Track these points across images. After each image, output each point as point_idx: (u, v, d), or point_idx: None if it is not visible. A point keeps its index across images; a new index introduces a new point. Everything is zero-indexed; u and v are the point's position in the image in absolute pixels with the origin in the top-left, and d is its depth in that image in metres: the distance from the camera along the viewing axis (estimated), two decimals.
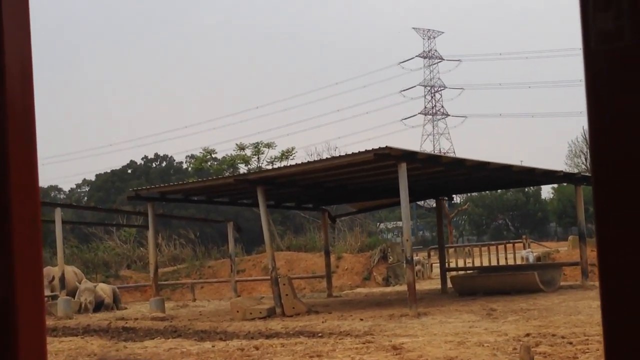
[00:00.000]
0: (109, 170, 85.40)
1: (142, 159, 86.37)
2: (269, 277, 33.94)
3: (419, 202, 51.89)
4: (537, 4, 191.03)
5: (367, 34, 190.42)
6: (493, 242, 36.44)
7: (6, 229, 1.42)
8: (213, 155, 51.21)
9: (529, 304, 20.66)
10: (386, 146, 19.41)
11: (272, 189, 23.82)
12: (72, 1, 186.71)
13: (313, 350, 15.61)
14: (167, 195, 25.99)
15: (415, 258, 35.63)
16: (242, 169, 49.31)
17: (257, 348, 16.51)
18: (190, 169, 61.07)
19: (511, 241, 35.15)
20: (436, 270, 36.81)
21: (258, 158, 50.44)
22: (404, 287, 30.98)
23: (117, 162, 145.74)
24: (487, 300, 22.12)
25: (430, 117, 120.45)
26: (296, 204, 29.48)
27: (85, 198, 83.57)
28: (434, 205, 75.29)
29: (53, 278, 29.76)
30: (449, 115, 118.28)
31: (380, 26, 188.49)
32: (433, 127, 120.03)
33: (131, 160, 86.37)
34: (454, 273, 27.75)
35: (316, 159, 48.63)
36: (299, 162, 27.10)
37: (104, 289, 29.65)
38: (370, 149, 19.80)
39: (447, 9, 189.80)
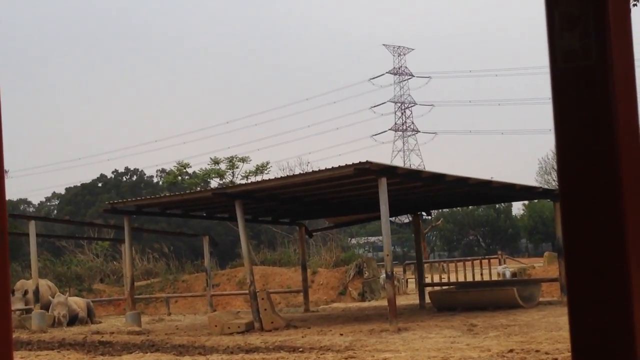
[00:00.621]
0: (79, 184, 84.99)
1: (113, 172, 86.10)
2: (244, 292, 33.91)
3: (390, 218, 51.92)
4: (506, 23, 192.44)
5: (337, 49, 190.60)
6: (469, 258, 36.51)
7: None
8: (187, 170, 50.85)
9: (509, 320, 20.63)
10: (366, 161, 19.40)
11: (250, 203, 23.70)
12: (41, 10, 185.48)
13: None
14: (144, 208, 25.77)
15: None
16: (216, 183, 49.07)
17: None
18: (162, 183, 60.68)
19: (487, 257, 35.21)
20: (411, 285, 36.79)
21: (233, 172, 50.28)
22: (380, 302, 31.00)
23: (87, 175, 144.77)
24: (467, 315, 22.09)
25: (401, 133, 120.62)
26: (273, 218, 29.34)
27: (55, 211, 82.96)
28: (405, 221, 75.49)
29: (26, 292, 29.44)
30: (419, 131, 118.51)
31: (351, 42, 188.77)
32: (403, 143, 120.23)
33: (101, 174, 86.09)
34: (432, 288, 27.72)
35: (289, 173, 48.86)
36: (274, 177, 27.01)
37: (78, 303, 29.34)
38: (351, 163, 19.76)
39: (418, 26, 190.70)
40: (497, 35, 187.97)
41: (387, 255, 20.23)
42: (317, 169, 20.59)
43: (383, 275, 34.49)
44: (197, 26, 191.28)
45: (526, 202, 73.64)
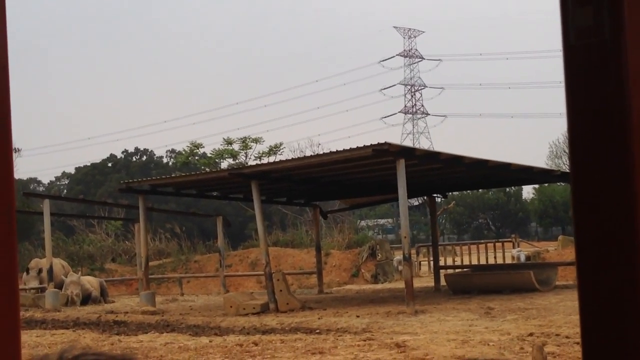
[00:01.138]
0: (88, 164, 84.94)
1: (123, 152, 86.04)
2: (257, 273, 33.92)
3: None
4: (518, 5, 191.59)
5: (348, 32, 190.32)
6: (482, 241, 36.33)
7: None
8: (200, 150, 50.67)
9: (526, 303, 20.52)
10: (385, 142, 19.27)
11: (265, 184, 23.56)
12: None
13: (314, 346, 15.41)
14: (158, 188, 25.67)
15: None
16: (229, 163, 48.87)
17: (256, 344, 16.29)
18: (174, 163, 60.56)
19: (500, 240, 35.03)
20: (424, 268, 36.71)
21: (246, 153, 50.09)
22: (394, 285, 30.91)
23: (95, 155, 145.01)
24: (483, 299, 21.97)
25: (410, 115, 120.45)
26: (288, 199, 29.23)
27: (65, 191, 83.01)
28: (415, 203, 75.32)
29: (40, 270, 29.47)
30: (429, 114, 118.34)
31: (361, 24, 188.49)
32: (413, 125, 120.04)
33: (111, 154, 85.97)
34: (447, 271, 27.60)
35: (301, 155, 48.71)
36: (289, 157, 26.86)
37: (91, 282, 29.33)
38: (369, 144, 19.65)
39: (428, 8, 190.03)
40: (508, 19, 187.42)
41: (405, 237, 20.13)
42: (333, 150, 20.41)
43: (397, 258, 34.42)
44: (207, 6, 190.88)
45: (536, 185, 73.33)
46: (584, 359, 1.34)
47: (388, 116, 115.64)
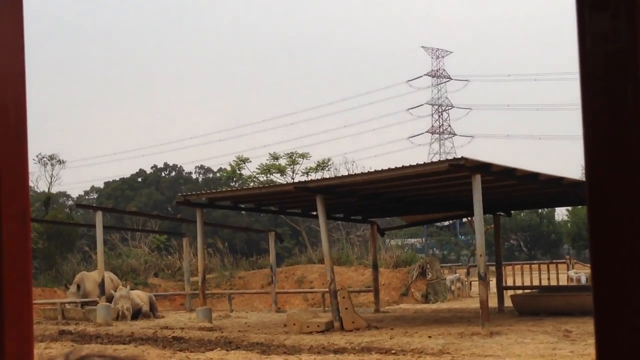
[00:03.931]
0: (117, 178, 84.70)
1: (152, 167, 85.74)
2: (303, 290, 33.40)
3: (439, 221, 50.94)
4: (546, 27, 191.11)
5: (375, 51, 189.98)
6: (535, 262, 35.80)
7: None
8: (247, 164, 50.25)
9: None
10: (461, 157, 18.95)
11: (328, 199, 23.03)
12: (85, 6, 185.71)
13: None
14: (216, 201, 25.17)
15: (455, 275, 34.84)
16: (277, 178, 48.37)
17: None
18: (220, 176, 60.18)
19: (554, 261, 34.39)
20: (474, 288, 36.03)
21: (293, 168, 49.62)
22: (448, 305, 30.31)
23: (123, 170, 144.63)
24: (557, 321, 21.34)
25: (437, 135, 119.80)
26: (345, 215, 28.68)
27: (94, 204, 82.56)
28: (445, 223, 74.65)
29: (79, 286, 29.03)
30: (456, 134, 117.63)
31: (389, 44, 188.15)
32: (440, 146, 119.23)
33: (140, 169, 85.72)
34: (517, 292, 26.95)
35: (336, 173, 48.32)
36: (348, 173, 26.29)
37: (141, 297, 28.86)
38: (444, 159, 19.31)
39: (456, 29, 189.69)
40: (537, 40, 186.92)
41: (481, 255, 19.48)
42: (403, 165, 19.83)
43: (450, 277, 33.83)
44: (231, 27, 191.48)
45: (570, 207, 72.57)
46: None
47: (415, 136, 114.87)
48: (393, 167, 19.89)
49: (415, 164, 19.72)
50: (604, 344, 1.29)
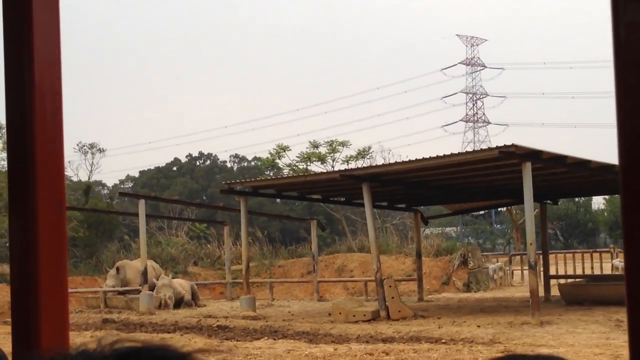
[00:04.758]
0: (152, 167, 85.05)
1: (187, 156, 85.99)
2: (344, 279, 33.26)
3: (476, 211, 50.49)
4: (582, 15, 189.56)
5: (409, 39, 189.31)
6: (578, 250, 35.46)
7: (33, 211, 1.49)
8: (286, 152, 50.04)
9: None
10: (512, 144, 18.60)
11: (374, 187, 22.80)
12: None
13: (452, 358, 14.70)
14: (260, 189, 25.06)
15: (497, 264, 34.54)
16: (317, 166, 48.17)
17: (386, 353, 15.60)
18: (261, 165, 60.14)
19: (598, 250, 33.98)
20: (516, 277, 35.76)
21: (333, 157, 49.40)
22: (492, 294, 30.05)
23: (157, 159, 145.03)
24: (607, 310, 21.02)
25: (472, 124, 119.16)
26: (389, 203, 28.44)
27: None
28: (481, 212, 74.04)
29: (118, 269, 29.10)
30: (490, 123, 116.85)
31: (423, 32, 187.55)
32: (474, 134, 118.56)
33: (175, 158, 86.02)
34: (562, 281, 26.67)
35: (371, 162, 48.08)
36: (395, 161, 26.15)
37: (183, 285, 28.82)
38: (494, 146, 19.12)
39: (491, 16, 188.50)
40: (572, 28, 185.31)
41: (531, 244, 19.21)
42: (452, 153, 19.58)
43: (492, 266, 33.53)
44: (261, 15, 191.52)
45: (607, 196, 71.88)
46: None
47: (449, 124, 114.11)
48: (442, 154, 19.66)
49: (464, 151, 19.54)
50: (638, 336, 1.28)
